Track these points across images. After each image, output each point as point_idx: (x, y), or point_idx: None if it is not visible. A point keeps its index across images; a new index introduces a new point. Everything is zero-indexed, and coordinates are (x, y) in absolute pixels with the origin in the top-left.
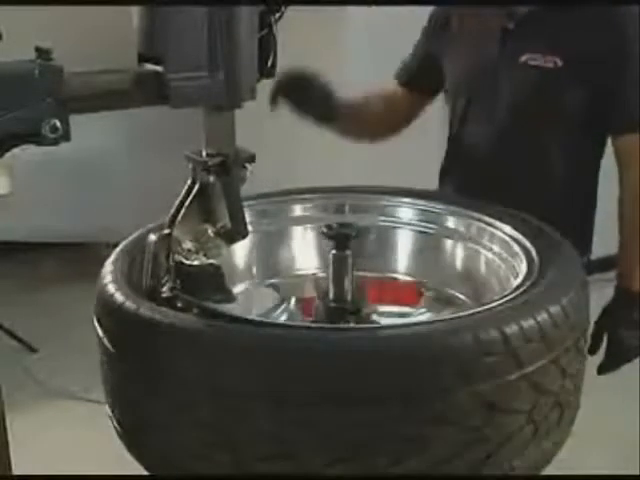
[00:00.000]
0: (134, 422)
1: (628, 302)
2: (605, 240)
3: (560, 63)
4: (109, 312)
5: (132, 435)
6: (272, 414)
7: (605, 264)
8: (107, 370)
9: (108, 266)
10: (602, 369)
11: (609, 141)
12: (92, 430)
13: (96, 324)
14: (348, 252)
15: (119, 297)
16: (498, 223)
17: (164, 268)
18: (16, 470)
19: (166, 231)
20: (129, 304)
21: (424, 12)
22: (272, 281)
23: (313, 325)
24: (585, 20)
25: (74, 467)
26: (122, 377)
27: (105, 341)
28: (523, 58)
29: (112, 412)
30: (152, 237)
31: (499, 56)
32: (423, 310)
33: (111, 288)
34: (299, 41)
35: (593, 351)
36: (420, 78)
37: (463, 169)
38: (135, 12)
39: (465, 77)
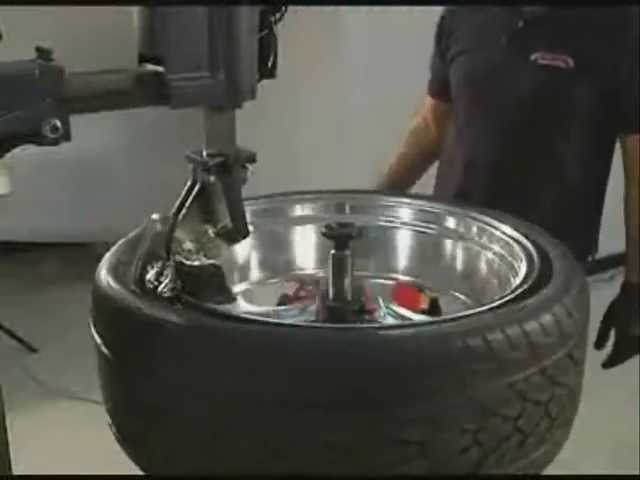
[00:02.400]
0: (132, 425)
1: (635, 297)
2: (606, 240)
3: (571, 63)
4: (105, 312)
5: (130, 438)
6: (272, 415)
7: (605, 263)
8: (102, 371)
9: (104, 266)
10: (608, 363)
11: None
12: (92, 430)
13: (92, 325)
14: (348, 252)
15: (116, 297)
16: (498, 223)
17: (161, 257)
18: (16, 470)
19: (169, 215)
20: (126, 303)
21: (423, 12)
22: (272, 281)
23: (313, 325)
24: (596, 20)
25: (74, 467)
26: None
27: (100, 341)
28: (533, 57)
29: (110, 416)
30: (154, 216)
31: (508, 54)
32: (423, 310)
33: (107, 289)
34: (299, 41)
35: (600, 346)
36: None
37: (467, 169)
38: (135, 12)
39: (473, 76)
